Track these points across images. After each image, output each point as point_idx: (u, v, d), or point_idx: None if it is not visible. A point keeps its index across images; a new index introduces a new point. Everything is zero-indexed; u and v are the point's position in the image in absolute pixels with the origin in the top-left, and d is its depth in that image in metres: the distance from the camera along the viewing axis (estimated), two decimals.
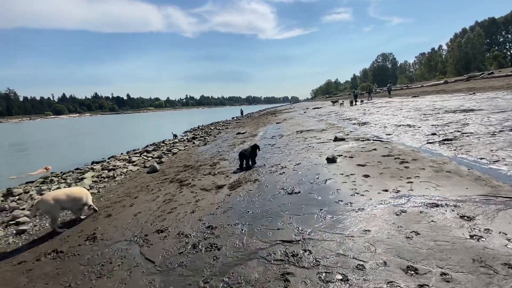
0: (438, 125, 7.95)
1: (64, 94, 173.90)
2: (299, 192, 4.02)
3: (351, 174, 4.46)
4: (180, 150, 11.56)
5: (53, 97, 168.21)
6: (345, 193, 3.74)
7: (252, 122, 23.43)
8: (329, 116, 16.78)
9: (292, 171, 5.19)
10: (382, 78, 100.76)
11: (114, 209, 4.83)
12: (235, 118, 38.46)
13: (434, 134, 6.80)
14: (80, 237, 3.84)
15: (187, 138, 16.59)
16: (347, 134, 8.44)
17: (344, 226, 2.86)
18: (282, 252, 2.57)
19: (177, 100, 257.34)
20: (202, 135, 17.61)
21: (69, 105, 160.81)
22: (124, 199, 5.34)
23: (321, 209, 3.33)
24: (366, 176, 4.30)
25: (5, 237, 4.26)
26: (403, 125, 8.80)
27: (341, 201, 3.49)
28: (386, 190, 3.63)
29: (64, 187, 6.91)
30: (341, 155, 5.81)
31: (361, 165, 4.90)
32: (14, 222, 4.72)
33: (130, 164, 9.47)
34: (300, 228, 2.94)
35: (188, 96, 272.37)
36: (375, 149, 5.99)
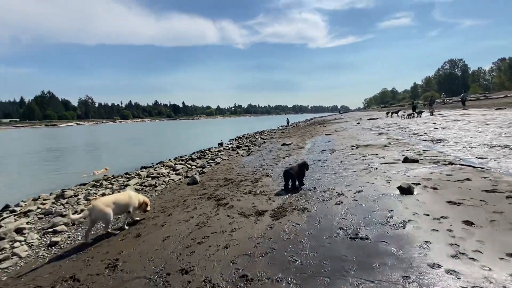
0: None
1: (130, 101, 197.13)
2: (367, 238, 2.94)
3: (442, 217, 3.20)
4: (223, 159, 11.19)
5: (121, 103, 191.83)
6: (441, 250, 2.55)
7: (298, 132, 22.32)
8: (390, 128, 14.73)
9: (353, 202, 4.09)
10: (450, 87, 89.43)
11: (146, 227, 4.40)
12: (280, 128, 37.70)
13: None
14: (103, 261, 3.40)
15: (231, 147, 16.36)
16: (420, 154, 6.85)
17: None
18: None
19: (226, 108, 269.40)
20: (246, 144, 17.22)
21: (133, 111, 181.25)
22: (158, 216, 4.92)
23: (406, 277, 2.23)
24: (469, 223, 3.00)
25: (37, 248, 4.13)
26: (499, 146, 6.82)
27: (438, 266, 2.33)
28: None
29: (108, 193, 6.94)
30: (419, 184, 4.48)
31: (454, 203, 3.56)
32: (52, 230, 4.63)
33: (174, 172, 9.37)
34: None
35: (237, 105, 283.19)
36: (468, 179, 4.48)
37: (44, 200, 7.07)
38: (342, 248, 2.82)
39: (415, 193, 4.12)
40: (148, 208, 4.81)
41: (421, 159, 6.25)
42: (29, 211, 6.00)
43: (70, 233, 4.62)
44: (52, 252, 3.94)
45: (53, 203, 6.61)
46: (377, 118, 27.03)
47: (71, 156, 20.49)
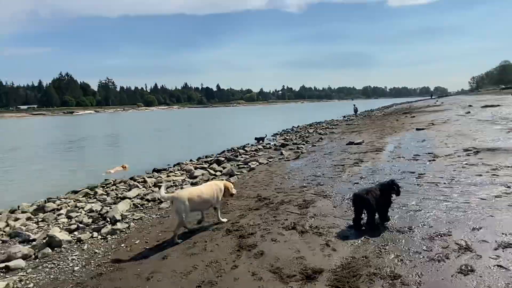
0: None
1: (156, 84, 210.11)
2: None
3: None
4: (260, 164, 10.26)
5: (146, 87, 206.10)
6: None
7: (372, 125, 20.29)
8: None
9: (497, 270, 2.70)
10: None
11: (124, 278, 3.61)
12: (345, 118, 35.51)
13: None
14: None
15: (274, 145, 15.44)
16: None
17: None
18: None
19: (271, 92, 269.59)
20: (295, 141, 16.12)
21: (159, 96, 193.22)
22: (148, 256, 4.11)
23: None
24: None
25: None
26: None
27: None
28: None
29: (95, 210, 6.52)
30: None
31: None
32: (4, 266, 4.19)
33: (190, 180, 8.76)
34: None
35: (286, 87, 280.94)
36: None
37: (21, 212, 7.00)
38: None
39: None
40: (233, 191, 5.28)
41: None
42: None
43: (25, 273, 4.11)
44: None
45: (28, 218, 6.42)
46: (499, 105, 23.21)
47: (88, 150, 21.94)
